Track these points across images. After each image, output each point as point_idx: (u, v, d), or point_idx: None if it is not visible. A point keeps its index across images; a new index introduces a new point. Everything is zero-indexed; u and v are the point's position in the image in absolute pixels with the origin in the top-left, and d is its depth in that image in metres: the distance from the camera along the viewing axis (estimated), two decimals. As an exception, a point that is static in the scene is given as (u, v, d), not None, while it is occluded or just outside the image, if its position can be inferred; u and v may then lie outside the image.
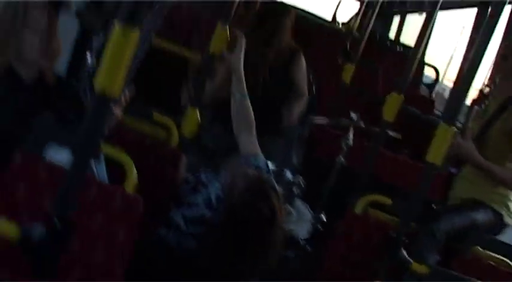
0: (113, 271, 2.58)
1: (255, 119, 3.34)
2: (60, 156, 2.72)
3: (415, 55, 4.00)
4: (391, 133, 4.21)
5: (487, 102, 4.31)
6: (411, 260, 2.97)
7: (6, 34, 2.96)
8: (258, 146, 3.25)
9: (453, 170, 4.32)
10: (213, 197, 2.99)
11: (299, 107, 5.01)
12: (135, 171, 2.77)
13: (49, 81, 3.12)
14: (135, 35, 1.48)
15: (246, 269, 2.82)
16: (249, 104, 3.26)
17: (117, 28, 1.46)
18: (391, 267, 3.06)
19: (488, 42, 2.82)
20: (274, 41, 4.85)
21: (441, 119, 3.08)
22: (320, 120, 4.99)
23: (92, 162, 2.60)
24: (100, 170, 2.68)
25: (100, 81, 1.49)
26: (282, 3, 5.04)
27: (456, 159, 4.15)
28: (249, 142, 3.26)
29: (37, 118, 2.73)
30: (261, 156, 3.26)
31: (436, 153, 2.78)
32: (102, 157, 2.76)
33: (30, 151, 2.63)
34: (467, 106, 4.19)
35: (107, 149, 2.74)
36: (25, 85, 3.02)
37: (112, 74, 1.49)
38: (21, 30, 2.95)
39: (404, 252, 2.98)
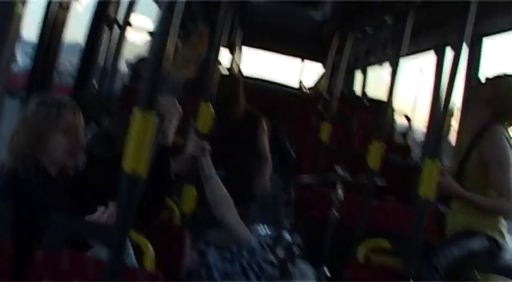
0: None
1: (232, 189, 3.60)
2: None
3: (389, 105, 4.22)
4: (378, 182, 4.39)
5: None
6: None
7: (39, 136, 3.10)
8: (243, 223, 3.50)
9: (441, 207, 4.51)
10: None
11: (268, 174, 5.28)
12: (152, 251, 2.93)
13: (69, 174, 3.25)
14: (153, 119, 1.68)
15: None
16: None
17: (137, 114, 1.65)
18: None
19: (453, 82, 3.05)
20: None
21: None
22: (307, 179, 5.18)
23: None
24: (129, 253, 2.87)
25: (128, 163, 1.68)
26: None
27: (441, 196, 4.36)
28: (236, 224, 3.55)
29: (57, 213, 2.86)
30: (251, 236, 3.53)
31: (426, 187, 2.97)
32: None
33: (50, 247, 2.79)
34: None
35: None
36: (52, 179, 3.16)
37: (137, 155, 1.68)
38: (53, 131, 3.10)
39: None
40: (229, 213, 3.53)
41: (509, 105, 4.24)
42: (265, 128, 5.33)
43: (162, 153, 3.26)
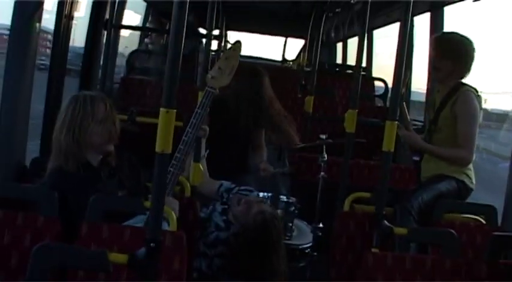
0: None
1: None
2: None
3: (357, 72, 4.81)
4: (356, 140, 5.02)
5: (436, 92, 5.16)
6: (392, 226, 3.80)
7: (78, 130, 3.67)
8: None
9: (415, 158, 5.17)
10: (219, 222, 3.99)
11: (263, 157, 5.92)
12: (175, 217, 3.61)
13: (112, 161, 3.83)
14: (173, 112, 2.37)
15: (265, 275, 3.79)
16: None
17: (162, 111, 2.34)
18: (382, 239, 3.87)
19: (404, 49, 3.71)
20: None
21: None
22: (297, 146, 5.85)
23: None
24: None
25: (159, 145, 2.38)
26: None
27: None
28: (209, 183, 4.49)
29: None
30: (224, 182, 4.39)
31: (387, 143, 3.65)
32: None
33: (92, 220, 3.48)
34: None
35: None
36: (95, 170, 3.77)
37: (165, 139, 2.37)
38: (90, 123, 3.66)
39: (386, 222, 3.80)
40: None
41: (465, 64, 4.89)
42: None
43: None
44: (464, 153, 4.75)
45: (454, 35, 4.94)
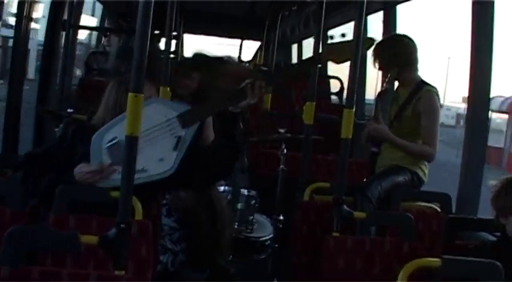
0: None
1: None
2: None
3: (314, 70, 4.95)
4: (314, 137, 5.14)
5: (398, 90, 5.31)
6: (352, 211, 3.92)
7: None
8: None
9: (374, 149, 5.32)
10: (171, 224, 4.20)
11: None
12: (140, 207, 3.68)
13: None
14: (141, 97, 2.46)
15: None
16: None
17: (131, 95, 2.43)
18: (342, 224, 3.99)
19: (359, 45, 3.84)
20: None
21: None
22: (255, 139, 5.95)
23: None
24: None
25: (128, 129, 2.46)
26: None
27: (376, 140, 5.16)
28: None
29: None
30: None
31: (345, 130, 3.77)
32: None
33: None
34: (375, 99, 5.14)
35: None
36: None
37: (134, 122, 2.46)
38: None
39: (346, 207, 3.92)
40: None
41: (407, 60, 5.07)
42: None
43: None
44: (430, 149, 4.92)
45: (395, 38, 5.12)
